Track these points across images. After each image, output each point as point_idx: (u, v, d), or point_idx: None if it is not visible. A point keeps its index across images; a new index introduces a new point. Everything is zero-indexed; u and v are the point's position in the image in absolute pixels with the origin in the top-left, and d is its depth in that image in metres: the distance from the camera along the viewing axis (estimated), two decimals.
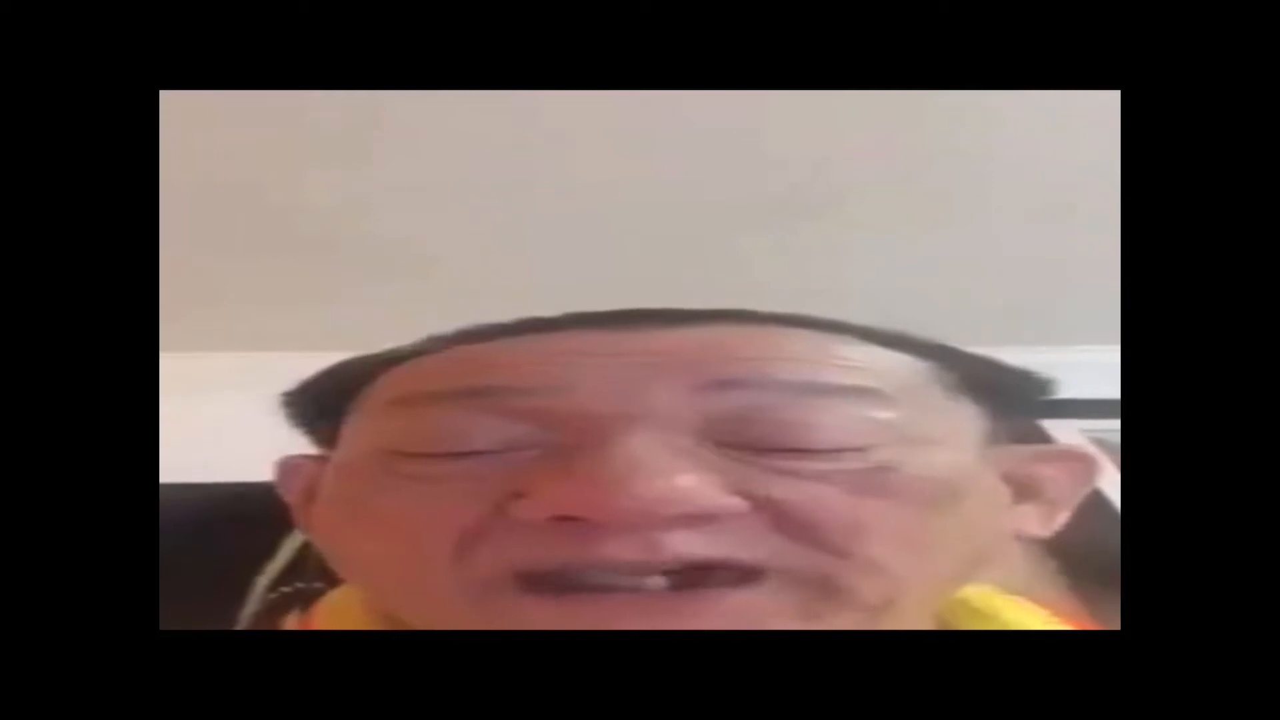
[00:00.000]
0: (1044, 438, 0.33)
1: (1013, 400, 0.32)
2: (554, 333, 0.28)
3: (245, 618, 1.02)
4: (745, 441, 0.26)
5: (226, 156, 0.94)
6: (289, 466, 0.35)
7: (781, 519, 0.25)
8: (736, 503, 0.25)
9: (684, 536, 0.24)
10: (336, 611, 0.34)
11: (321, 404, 0.32)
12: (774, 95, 0.85)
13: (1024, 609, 0.36)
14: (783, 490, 0.25)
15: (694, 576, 0.25)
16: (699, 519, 0.24)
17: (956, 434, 0.29)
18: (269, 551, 1.08)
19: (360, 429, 0.30)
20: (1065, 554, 0.87)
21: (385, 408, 0.29)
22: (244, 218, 1.04)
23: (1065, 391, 0.32)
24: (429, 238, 1.08)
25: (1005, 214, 1.05)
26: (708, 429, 0.26)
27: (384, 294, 1.14)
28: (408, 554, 0.27)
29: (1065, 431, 0.87)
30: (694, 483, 0.24)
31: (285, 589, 1.04)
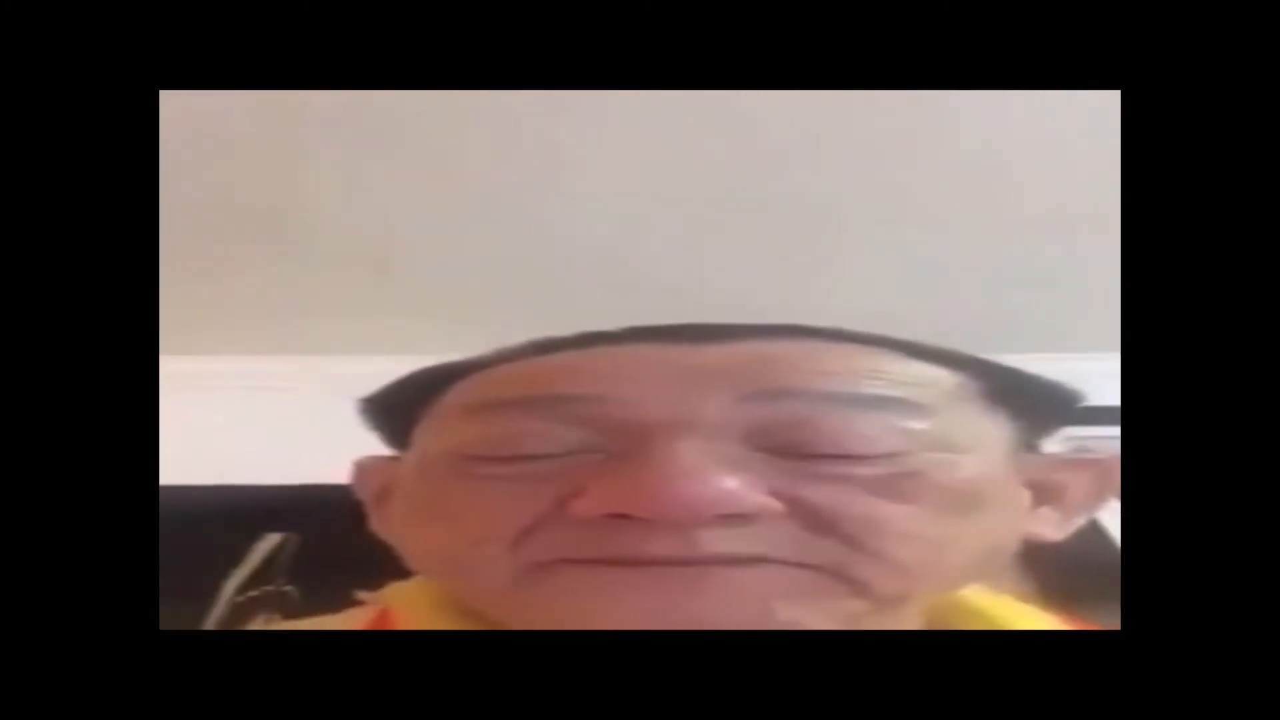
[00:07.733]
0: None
1: (1042, 410, 0.33)
2: (615, 346, 0.30)
3: (212, 620, 1.02)
4: (786, 447, 0.27)
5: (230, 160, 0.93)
6: (365, 467, 0.37)
7: (811, 517, 0.27)
8: (773, 503, 0.26)
9: (722, 534, 0.26)
10: (406, 602, 0.36)
11: (396, 409, 0.34)
12: (769, 98, 0.85)
13: (1020, 610, 0.36)
14: (815, 491, 0.27)
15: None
16: (738, 518, 0.26)
17: (984, 442, 0.30)
18: (238, 556, 1.08)
19: (433, 433, 0.32)
20: (1034, 560, 0.87)
21: (458, 414, 0.31)
22: (245, 222, 1.03)
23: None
24: (449, 245, 1.07)
25: (1010, 219, 1.03)
26: (752, 436, 0.28)
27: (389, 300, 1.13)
28: (471, 543, 0.29)
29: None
30: (736, 485, 0.26)
31: (253, 592, 1.04)
